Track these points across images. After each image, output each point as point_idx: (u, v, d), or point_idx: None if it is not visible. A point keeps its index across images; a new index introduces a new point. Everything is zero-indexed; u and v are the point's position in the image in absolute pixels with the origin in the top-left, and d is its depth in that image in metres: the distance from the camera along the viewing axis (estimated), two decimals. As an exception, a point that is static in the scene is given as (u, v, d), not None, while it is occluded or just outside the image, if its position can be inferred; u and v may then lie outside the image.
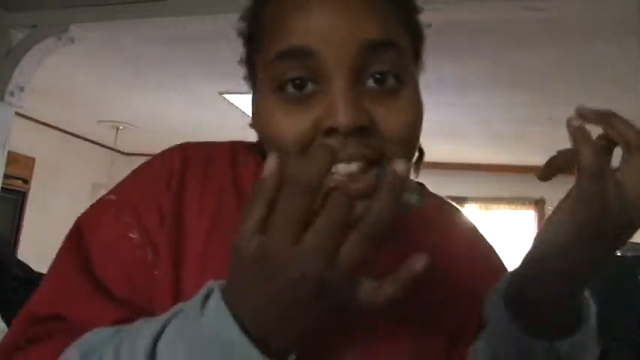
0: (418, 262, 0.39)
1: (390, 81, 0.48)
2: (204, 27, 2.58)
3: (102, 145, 6.09)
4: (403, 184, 0.39)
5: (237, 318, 0.39)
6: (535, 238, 0.46)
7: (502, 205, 5.89)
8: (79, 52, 3.20)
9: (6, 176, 2.99)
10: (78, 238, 0.54)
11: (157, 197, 0.55)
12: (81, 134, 5.89)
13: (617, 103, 3.69)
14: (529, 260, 0.46)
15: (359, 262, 0.38)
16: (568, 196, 0.44)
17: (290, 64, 0.47)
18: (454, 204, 0.68)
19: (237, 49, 0.57)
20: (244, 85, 0.58)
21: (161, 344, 0.41)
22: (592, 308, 0.48)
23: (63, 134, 5.75)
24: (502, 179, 5.63)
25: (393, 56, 0.48)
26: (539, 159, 0.47)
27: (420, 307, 0.56)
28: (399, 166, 0.38)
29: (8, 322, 2.11)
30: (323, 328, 0.42)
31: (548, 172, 0.45)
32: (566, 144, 0.43)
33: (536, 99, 3.67)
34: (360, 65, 0.47)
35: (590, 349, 0.48)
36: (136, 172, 0.59)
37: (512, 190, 5.67)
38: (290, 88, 0.48)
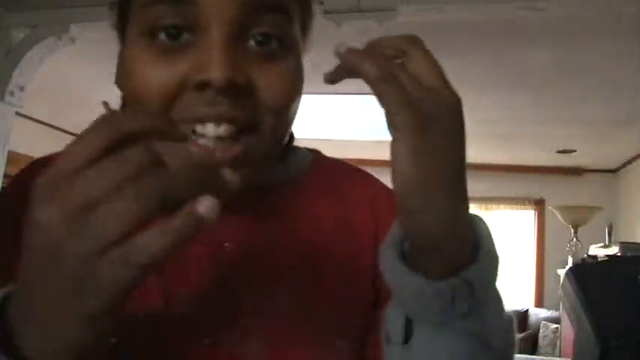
0: (201, 206, 0.30)
1: (273, 44, 0.44)
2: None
3: (102, 145, 6.10)
4: (195, 228, 0.30)
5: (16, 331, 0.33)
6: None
7: (502, 205, 5.89)
8: (79, 52, 3.20)
9: (6, 176, 2.99)
10: None
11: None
12: (81, 134, 5.91)
13: (617, 103, 3.70)
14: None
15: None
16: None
17: (166, 9, 0.43)
18: (359, 169, 0.60)
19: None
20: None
21: None
22: (484, 231, 0.41)
23: (63, 134, 5.75)
24: (502, 179, 5.63)
25: (279, 19, 0.45)
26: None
27: (298, 295, 0.50)
28: (201, 207, 0.30)
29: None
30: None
31: (335, 76, 0.39)
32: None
33: (536, 99, 3.67)
34: (242, 21, 0.43)
35: (493, 272, 0.40)
36: None
37: (512, 190, 5.68)
38: (162, 36, 0.43)
